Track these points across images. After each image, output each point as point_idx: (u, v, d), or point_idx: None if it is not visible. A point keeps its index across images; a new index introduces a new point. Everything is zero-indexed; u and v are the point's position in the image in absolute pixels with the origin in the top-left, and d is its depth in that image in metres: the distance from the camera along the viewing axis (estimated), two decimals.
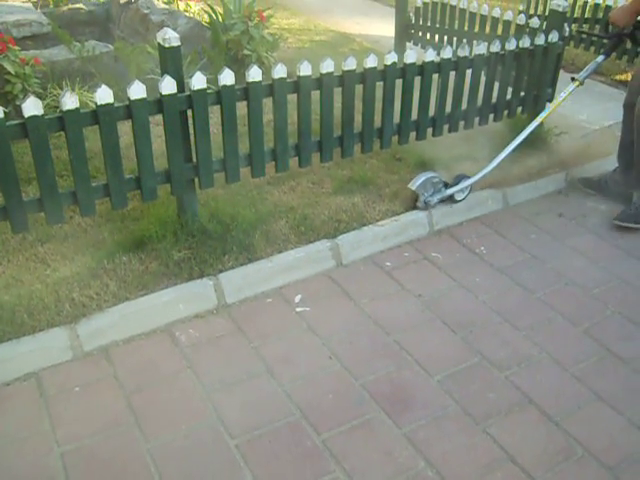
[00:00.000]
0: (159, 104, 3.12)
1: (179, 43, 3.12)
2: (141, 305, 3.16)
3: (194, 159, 3.36)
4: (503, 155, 4.11)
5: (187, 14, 6.81)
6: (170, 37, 3.09)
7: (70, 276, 3.24)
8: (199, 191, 3.50)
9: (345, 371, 2.95)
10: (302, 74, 3.44)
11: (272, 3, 7.12)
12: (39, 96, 4.39)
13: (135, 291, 3.20)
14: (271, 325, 3.21)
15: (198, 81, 3.16)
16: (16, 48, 4.83)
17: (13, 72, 4.69)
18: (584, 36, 6.15)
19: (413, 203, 4.00)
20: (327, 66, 3.51)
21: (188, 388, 2.86)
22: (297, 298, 3.39)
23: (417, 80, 3.93)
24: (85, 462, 2.53)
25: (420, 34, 6.71)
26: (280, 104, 3.44)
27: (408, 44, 6.74)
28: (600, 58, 4.26)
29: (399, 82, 3.87)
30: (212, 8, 6.22)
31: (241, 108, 3.35)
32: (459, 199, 4.11)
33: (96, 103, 2.96)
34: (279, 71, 3.38)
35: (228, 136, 3.33)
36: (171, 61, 3.14)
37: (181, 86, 3.17)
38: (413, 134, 4.13)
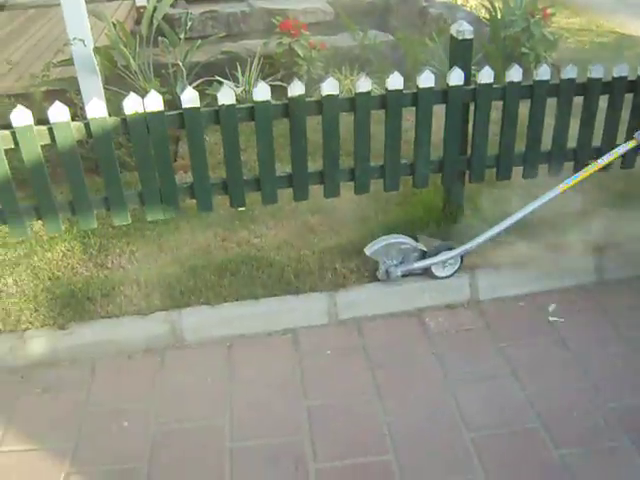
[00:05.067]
0: (444, 94, 3.19)
1: (472, 36, 3.16)
2: (396, 287, 3.28)
3: (468, 152, 3.39)
4: (505, 225, 3.25)
5: (465, 8, 6.83)
6: (465, 30, 3.14)
7: (335, 247, 3.45)
8: (467, 184, 3.52)
9: (595, 391, 2.80)
10: (594, 76, 3.29)
11: (553, 1, 6.84)
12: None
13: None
14: (521, 329, 3.15)
15: (486, 75, 3.17)
16: (307, 33, 5.23)
17: (302, 55, 5.08)
18: None
19: (372, 271, 3.34)
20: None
21: (431, 373, 2.92)
22: (551, 307, 3.27)
23: None
24: (326, 420, 2.71)
25: None
26: (565, 105, 3.33)
27: None
28: None
29: None
30: (492, 3, 6.15)
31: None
32: (439, 275, 3.32)
33: (387, 88, 3.11)
34: (569, 72, 3.26)
35: (507, 132, 3.30)
36: (461, 53, 3.19)
37: (467, 79, 3.20)
38: None
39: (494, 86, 3.20)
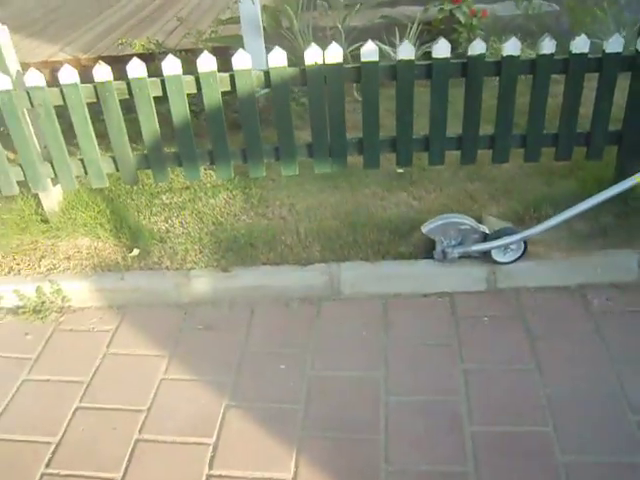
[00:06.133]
0: (632, 61, 3.01)
1: None
2: (558, 260, 3.16)
3: None
4: (575, 211, 3.01)
5: None
6: None
7: (496, 216, 3.36)
8: None
9: None
10: None
11: None
12: None
13: (557, 242, 3.22)
14: None
15: None
16: (470, 0, 5.10)
17: (463, 22, 4.97)
18: None
19: (428, 250, 3.17)
20: None
21: (593, 351, 2.79)
22: None
23: None
24: (483, 384, 2.67)
25: None
26: None
27: None
28: None
29: None
30: None
31: None
32: (500, 260, 3.11)
33: (570, 52, 2.98)
34: None
35: None
36: None
37: None
38: None
39: None
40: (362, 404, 2.62)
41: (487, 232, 3.14)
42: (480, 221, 3.21)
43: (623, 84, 3.14)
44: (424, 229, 3.13)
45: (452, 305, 3.08)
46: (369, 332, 2.97)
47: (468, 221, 3.13)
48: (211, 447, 2.50)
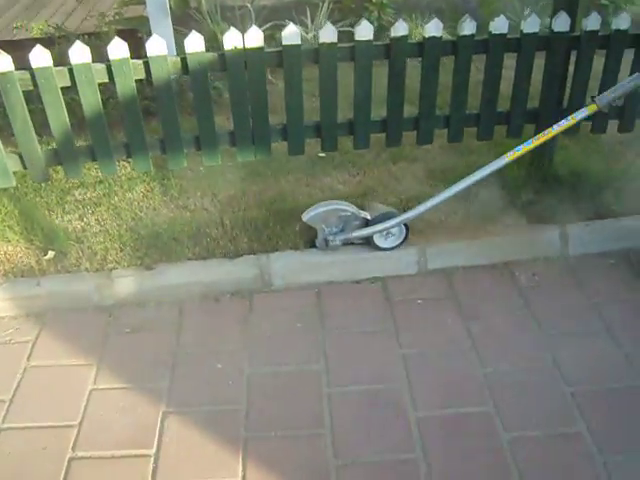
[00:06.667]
0: (547, 41, 3.06)
1: None
2: (485, 239, 3.21)
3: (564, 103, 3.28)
4: (451, 192, 3.01)
5: None
6: None
7: (421, 196, 3.37)
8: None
9: None
10: None
11: None
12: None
13: (482, 222, 3.27)
14: (611, 287, 3.07)
15: (593, 22, 3.04)
16: None
17: (373, 0, 4.95)
18: None
19: (311, 239, 3.15)
20: None
21: (525, 326, 2.86)
22: None
23: None
24: (423, 368, 2.68)
25: None
26: None
27: None
28: None
29: None
30: None
31: None
32: (382, 246, 3.10)
33: (490, 32, 2.99)
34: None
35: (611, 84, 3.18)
36: None
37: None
38: None
39: (599, 34, 3.08)
40: (304, 399, 2.57)
41: (369, 218, 3.09)
42: (363, 207, 3.17)
43: (538, 63, 3.21)
44: (304, 217, 3.05)
45: (385, 290, 3.07)
46: (304, 323, 2.92)
47: (348, 207, 3.06)
48: (152, 458, 2.37)
